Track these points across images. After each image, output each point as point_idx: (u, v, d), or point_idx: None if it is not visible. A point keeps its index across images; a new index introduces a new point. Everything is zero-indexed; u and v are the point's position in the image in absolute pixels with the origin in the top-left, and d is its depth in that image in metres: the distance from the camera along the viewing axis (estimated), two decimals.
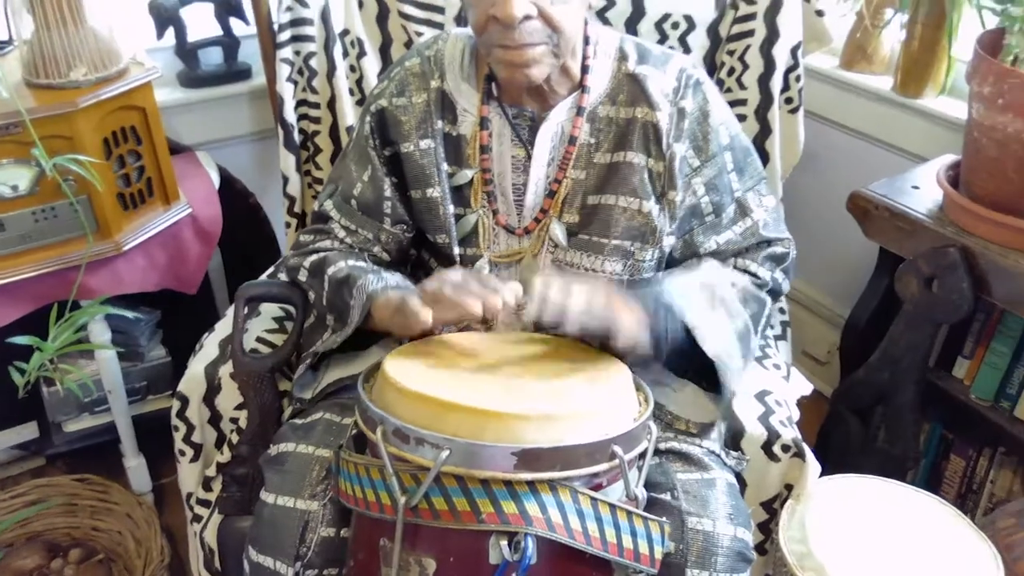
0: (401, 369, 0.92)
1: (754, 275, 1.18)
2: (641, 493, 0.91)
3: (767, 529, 1.21)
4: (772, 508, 1.19)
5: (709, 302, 1.09)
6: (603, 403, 0.89)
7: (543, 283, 0.97)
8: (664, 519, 0.91)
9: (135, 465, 1.69)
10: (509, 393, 0.89)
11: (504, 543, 0.83)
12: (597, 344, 1.03)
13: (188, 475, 1.35)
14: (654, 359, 1.07)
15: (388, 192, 1.19)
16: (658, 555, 0.90)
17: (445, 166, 1.16)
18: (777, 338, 1.42)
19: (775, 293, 1.21)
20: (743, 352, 1.11)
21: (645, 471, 0.93)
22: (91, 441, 1.73)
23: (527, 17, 1.00)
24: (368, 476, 0.90)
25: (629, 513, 0.88)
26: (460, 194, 1.18)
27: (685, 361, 1.10)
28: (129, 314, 1.26)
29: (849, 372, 1.53)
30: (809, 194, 1.85)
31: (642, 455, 0.92)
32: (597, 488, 0.87)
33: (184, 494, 1.37)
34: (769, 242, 1.20)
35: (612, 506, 0.86)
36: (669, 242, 1.15)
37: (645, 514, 0.89)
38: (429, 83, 1.17)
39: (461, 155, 1.17)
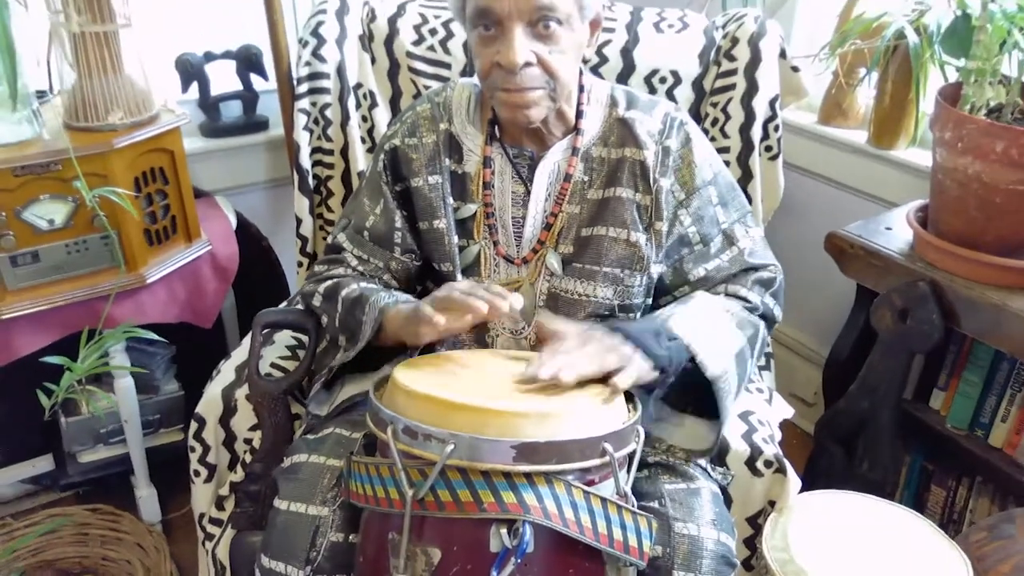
0: (409, 376, 1.01)
1: (744, 299, 1.26)
2: (630, 492, 0.98)
3: (753, 545, 1.27)
4: (757, 523, 1.26)
5: (705, 328, 1.17)
6: (595, 405, 0.98)
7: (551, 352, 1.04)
8: (651, 515, 0.98)
9: (146, 495, 1.75)
10: (509, 396, 0.97)
11: (504, 531, 0.90)
12: None
13: (202, 495, 1.41)
14: (659, 383, 1.13)
15: (399, 223, 1.29)
16: (646, 548, 0.96)
17: (451, 200, 1.27)
18: (761, 368, 1.50)
19: (767, 318, 1.29)
20: (739, 372, 1.18)
21: (633, 472, 1.01)
22: (104, 472, 1.79)
23: (527, 64, 1.12)
24: (378, 474, 0.97)
25: (619, 507, 0.95)
26: (464, 227, 1.28)
27: (683, 387, 1.17)
28: (152, 335, 1.34)
29: (832, 403, 1.61)
30: (791, 240, 1.96)
31: (631, 457, 1.00)
32: (589, 484, 0.95)
33: (196, 515, 1.43)
34: (756, 268, 1.29)
35: (603, 500, 0.94)
36: (657, 269, 1.25)
37: (634, 509, 0.96)
38: (438, 125, 1.28)
39: (466, 191, 1.28)
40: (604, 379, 1.04)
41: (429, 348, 1.18)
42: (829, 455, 1.60)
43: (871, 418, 1.51)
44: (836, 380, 1.63)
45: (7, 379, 1.72)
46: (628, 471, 1.00)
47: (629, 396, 1.07)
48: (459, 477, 0.91)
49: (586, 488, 0.93)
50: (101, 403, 1.42)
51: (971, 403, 1.53)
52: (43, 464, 1.85)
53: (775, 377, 1.60)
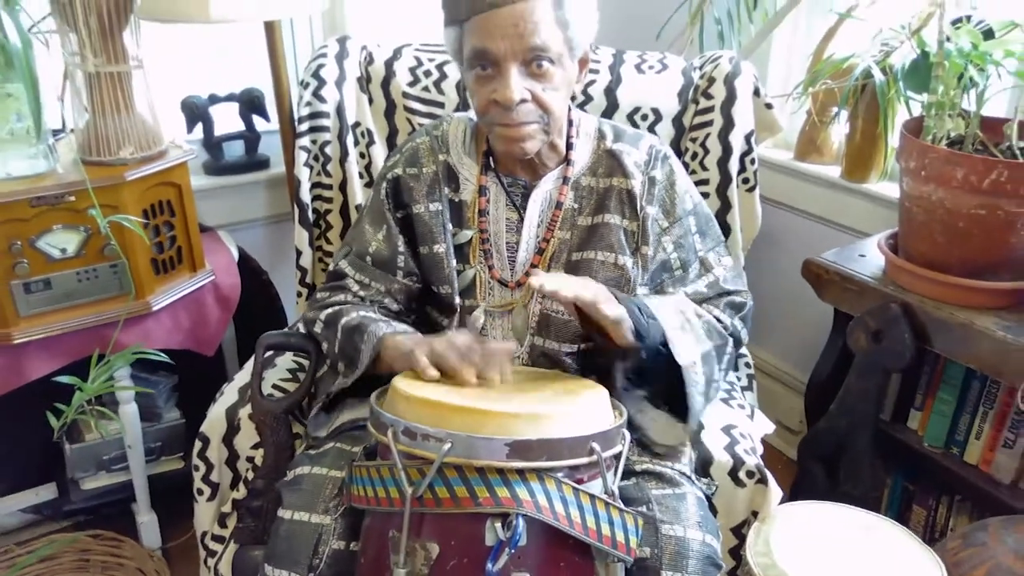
0: (408, 383, 1.07)
1: (717, 319, 1.34)
2: (617, 491, 1.04)
3: (738, 555, 1.32)
4: (741, 534, 1.31)
5: (680, 322, 1.26)
6: (584, 408, 1.04)
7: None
8: (637, 513, 1.03)
9: (147, 520, 1.78)
10: (503, 399, 1.03)
11: (498, 525, 0.96)
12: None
13: (204, 513, 1.45)
14: (638, 344, 1.20)
15: (401, 247, 1.36)
16: (633, 544, 1.02)
17: (450, 226, 1.34)
18: (744, 389, 1.56)
19: (735, 338, 1.37)
20: (707, 372, 1.25)
21: (620, 472, 1.06)
22: (106, 499, 1.83)
23: (523, 100, 1.20)
24: (379, 476, 1.03)
25: (607, 504, 1.00)
26: (461, 252, 1.35)
27: (658, 375, 1.24)
28: (160, 355, 1.40)
29: (813, 423, 1.67)
30: (771, 270, 2.04)
31: (617, 458, 1.06)
32: (579, 482, 1.00)
33: (199, 534, 1.47)
34: (729, 292, 1.37)
35: (592, 496, 0.99)
36: (642, 291, 1.32)
37: (621, 506, 1.02)
38: (437, 157, 1.37)
39: (462, 218, 1.35)
40: (593, 374, 1.11)
41: None
42: (812, 475, 1.65)
43: (850, 437, 1.57)
44: (817, 402, 1.69)
45: (10, 410, 1.77)
46: (615, 473, 1.06)
47: (615, 404, 1.14)
48: (456, 474, 0.96)
49: (575, 485, 0.99)
50: (111, 427, 1.46)
51: (946, 422, 1.59)
52: (46, 493, 1.89)
53: (759, 402, 1.66)
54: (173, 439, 1.87)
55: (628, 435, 1.08)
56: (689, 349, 1.23)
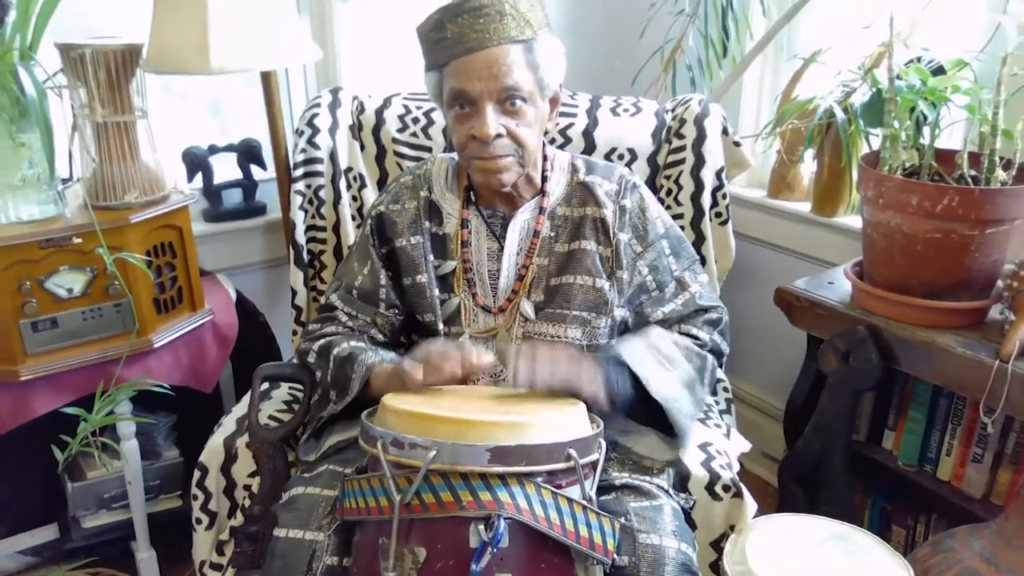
0: (397, 398, 1.14)
1: (695, 337, 1.41)
2: (595, 497, 1.10)
3: (718, 568, 1.37)
4: (720, 547, 1.36)
5: (655, 359, 1.32)
6: (561, 418, 1.10)
7: (516, 353, 1.21)
8: (614, 517, 1.09)
9: (147, 557, 1.82)
10: (485, 411, 1.10)
11: (482, 528, 1.01)
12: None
13: (203, 542, 1.50)
14: (613, 408, 1.28)
15: (384, 281, 1.44)
16: (610, 547, 1.07)
17: (431, 257, 1.42)
18: (722, 412, 1.63)
19: (716, 352, 1.44)
20: (692, 397, 1.32)
21: (597, 480, 1.12)
22: (106, 537, 1.87)
23: (498, 135, 1.30)
24: (370, 486, 1.09)
25: (584, 508, 1.06)
26: (445, 282, 1.43)
27: (643, 407, 1.31)
28: (162, 384, 1.46)
29: (792, 446, 1.73)
30: (748, 304, 2.12)
31: (594, 466, 1.12)
32: (558, 487, 1.06)
33: (197, 563, 1.52)
34: (705, 309, 1.45)
35: (570, 500, 1.05)
36: (620, 313, 1.40)
37: (598, 510, 1.08)
38: (419, 193, 1.46)
39: (446, 250, 1.44)
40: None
41: None
42: (793, 496, 1.70)
43: (826, 456, 1.63)
44: (795, 425, 1.75)
45: (12, 453, 1.83)
46: (593, 480, 1.11)
47: (593, 418, 1.20)
48: (441, 480, 1.03)
49: (554, 489, 1.05)
50: (113, 463, 1.51)
51: (918, 440, 1.65)
52: (46, 533, 1.93)
53: (745, 432, 1.71)
54: (172, 477, 1.92)
55: (604, 444, 1.14)
56: (669, 384, 1.30)
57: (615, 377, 1.27)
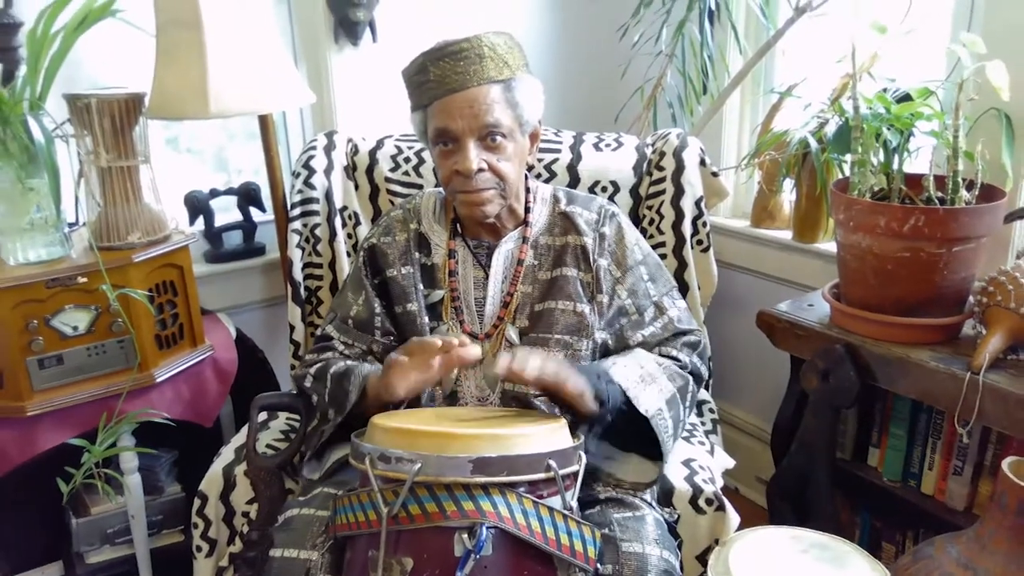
0: (385, 417, 1.19)
1: (676, 359, 1.46)
2: (576, 507, 1.14)
3: None
4: (705, 560, 1.40)
5: (639, 375, 1.37)
6: (542, 431, 1.15)
7: (512, 351, 1.27)
8: (594, 525, 1.13)
9: None
10: (468, 425, 1.15)
11: (465, 537, 1.06)
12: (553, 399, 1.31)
13: (203, 570, 1.54)
14: (599, 415, 1.31)
15: (378, 309, 1.50)
16: (591, 554, 1.11)
17: (421, 287, 1.49)
18: (708, 432, 1.67)
19: (696, 375, 1.48)
20: (673, 415, 1.37)
21: (577, 491, 1.17)
22: (109, 573, 1.89)
23: (480, 169, 1.37)
24: (359, 501, 1.13)
25: (565, 516, 1.11)
26: (434, 310, 1.49)
27: (624, 424, 1.35)
28: (162, 413, 1.51)
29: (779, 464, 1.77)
30: (733, 331, 2.17)
31: (574, 477, 1.16)
32: (539, 498, 1.11)
33: None
34: (684, 332, 1.50)
35: (551, 509, 1.10)
36: (600, 335, 1.45)
37: (578, 519, 1.12)
38: (409, 226, 1.52)
39: (434, 279, 1.50)
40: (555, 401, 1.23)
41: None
42: (781, 514, 1.74)
43: (811, 473, 1.67)
44: (782, 445, 1.79)
45: (17, 493, 1.88)
46: (574, 491, 1.16)
47: (573, 430, 1.25)
48: (426, 492, 1.07)
49: (535, 499, 1.09)
50: (117, 499, 1.55)
51: (900, 455, 1.69)
52: (51, 571, 1.96)
53: (737, 458, 1.75)
54: (174, 512, 1.96)
55: (584, 457, 1.19)
56: (652, 399, 1.35)
57: (604, 381, 1.32)
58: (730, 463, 1.54)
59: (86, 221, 1.72)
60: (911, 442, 1.67)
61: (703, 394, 1.75)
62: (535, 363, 1.24)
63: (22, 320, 1.54)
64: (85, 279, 1.58)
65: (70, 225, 1.74)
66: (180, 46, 1.61)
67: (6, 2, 1.72)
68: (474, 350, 1.26)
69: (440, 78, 1.35)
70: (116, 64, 1.85)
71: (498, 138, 1.37)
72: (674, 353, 1.47)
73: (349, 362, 1.45)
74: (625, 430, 1.35)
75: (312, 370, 1.49)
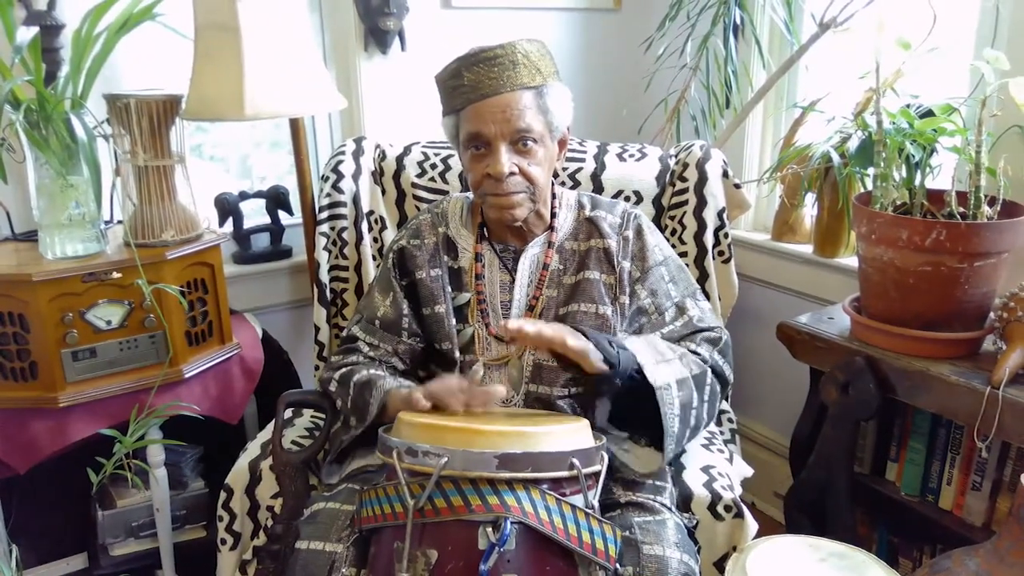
0: (412, 414, 1.22)
1: (695, 352, 1.47)
2: (598, 506, 1.16)
3: None
4: (723, 567, 1.41)
5: (653, 355, 1.39)
6: (566, 430, 1.18)
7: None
8: (615, 524, 1.15)
9: None
10: (494, 423, 1.18)
11: (489, 530, 1.08)
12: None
13: (226, 563, 1.57)
14: (608, 377, 1.33)
15: (406, 311, 1.53)
16: (612, 553, 1.13)
17: (449, 289, 1.52)
18: (727, 441, 1.68)
19: (717, 371, 1.47)
20: (683, 398, 1.36)
21: (599, 490, 1.18)
22: (133, 565, 1.93)
23: (511, 173, 1.40)
24: (386, 494, 1.16)
25: (587, 514, 1.13)
26: (460, 312, 1.52)
27: (637, 404, 1.36)
28: (193, 407, 1.54)
29: (798, 476, 1.78)
30: (754, 344, 2.18)
31: (597, 477, 1.18)
32: (562, 495, 1.13)
33: None
34: (704, 329, 1.51)
35: (573, 506, 1.12)
36: (622, 336, 1.47)
37: (600, 517, 1.14)
38: (437, 230, 1.56)
39: (461, 282, 1.53)
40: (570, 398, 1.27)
41: None
42: (799, 526, 1.74)
43: (830, 485, 1.68)
44: (800, 457, 1.80)
45: (45, 487, 1.92)
46: (596, 491, 1.18)
47: (596, 435, 1.27)
48: (451, 486, 1.10)
49: (558, 496, 1.12)
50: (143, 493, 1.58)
51: (919, 470, 1.69)
52: (76, 562, 2.00)
53: (757, 473, 1.76)
54: (197, 508, 1.99)
55: (607, 457, 1.21)
56: (663, 374, 1.36)
57: (615, 347, 1.34)
58: (748, 471, 1.55)
59: (121, 218, 1.76)
60: (930, 457, 1.68)
61: (721, 401, 1.75)
62: (539, 323, 1.28)
63: (58, 313, 1.58)
64: (120, 274, 1.62)
65: (105, 223, 1.78)
66: (218, 49, 1.66)
67: (49, 4, 1.77)
68: (497, 391, 1.28)
69: (474, 83, 1.39)
70: (148, 67, 1.89)
71: (529, 143, 1.40)
72: (693, 347, 1.47)
73: (372, 371, 1.47)
74: (636, 408, 1.36)
75: (336, 375, 1.52)
